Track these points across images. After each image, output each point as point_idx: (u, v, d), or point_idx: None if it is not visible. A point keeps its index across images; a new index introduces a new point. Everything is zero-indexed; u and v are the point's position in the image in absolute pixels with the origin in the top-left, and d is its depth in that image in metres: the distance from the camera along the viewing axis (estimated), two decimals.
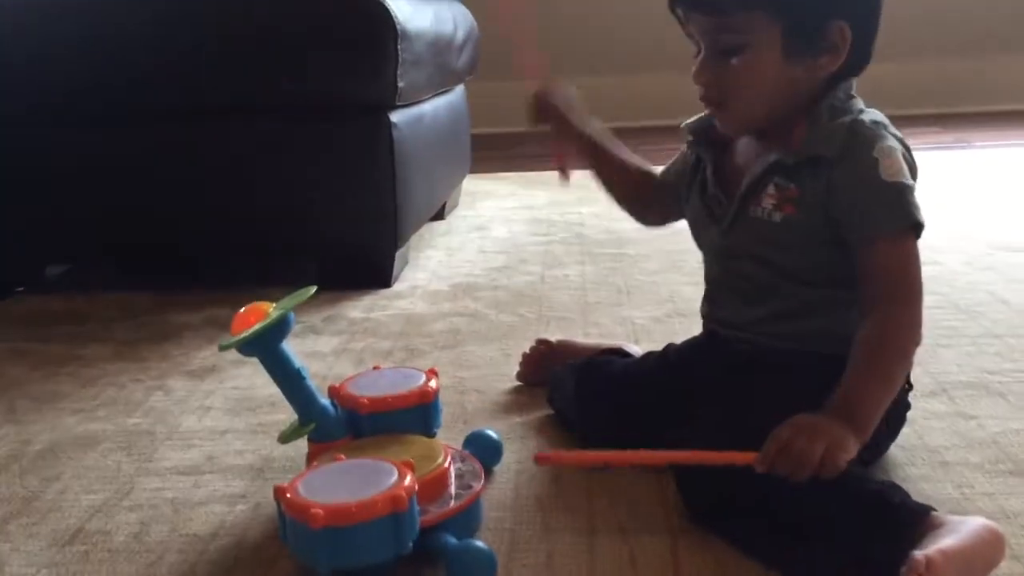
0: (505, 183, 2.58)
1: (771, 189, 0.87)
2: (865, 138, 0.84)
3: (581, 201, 2.25)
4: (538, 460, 0.84)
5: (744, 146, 0.93)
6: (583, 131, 1.03)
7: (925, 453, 0.93)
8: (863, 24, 0.85)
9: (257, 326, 0.84)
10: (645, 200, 1.05)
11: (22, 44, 1.53)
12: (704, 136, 0.94)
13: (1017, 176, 2.38)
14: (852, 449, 0.76)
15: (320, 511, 0.70)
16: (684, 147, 1.00)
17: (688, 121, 0.97)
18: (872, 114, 0.87)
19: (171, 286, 1.65)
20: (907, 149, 0.86)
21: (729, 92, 0.86)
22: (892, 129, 0.86)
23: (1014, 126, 3.15)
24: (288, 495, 0.73)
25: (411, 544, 0.73)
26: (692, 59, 0.88)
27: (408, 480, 0.74)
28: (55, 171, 1.59)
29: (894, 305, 0.82)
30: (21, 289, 1.68)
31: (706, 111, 0.93)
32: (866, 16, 0.85)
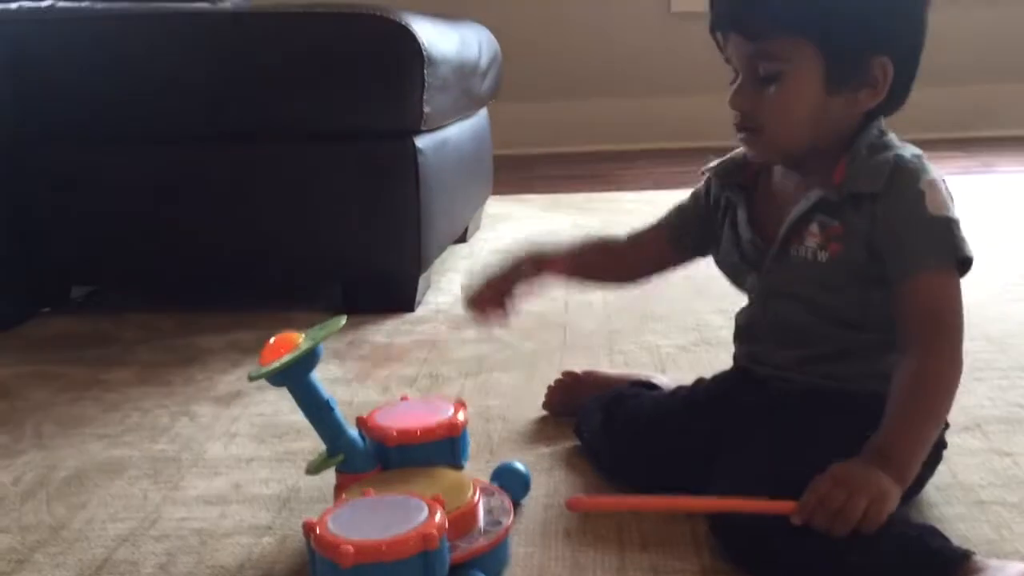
0: (526, 205, 2.58)
1: (814, 228, 0.86)
2: (910, 172, 0.83)
3: (604, 225, 2.24)
4: (570, 506, 0.83)
5: (777, 184, 0.92)
6: (535, 277, 1.01)
7: (960, 492, 0.92)
8: (905, 62, 0.84)
9: (286, 357, 0.84)
10: (637, 267, 1.05)
11: (51, 67, 1.54)
12: (732, 179, 0.93)
13: None
14: (894, 502, 0.75)
15: (350, 548, 0.69)
16: (694, 191, 0.99)
17: (710, 165, 0.96)
18: (910, 148, 0.86)
19: (196, 308, 1.66)
20: (944, 181, 0.85)
21: (766, 119, 0.85)
22: (929, 163, 0.85)
23: None
24: (317, 531, 0.73)
25: None
26: (728, 85, 0.87)
27: (439, 517, 0.73)
28: (82, 193, 1.59)
29: (935, 343, 0.81)
30: (47, 310, 1.68)
31: (728, 155, 0.92)
32: (909, 54, 0.84)
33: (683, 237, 1.00)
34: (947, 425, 0.90)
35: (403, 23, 1.46)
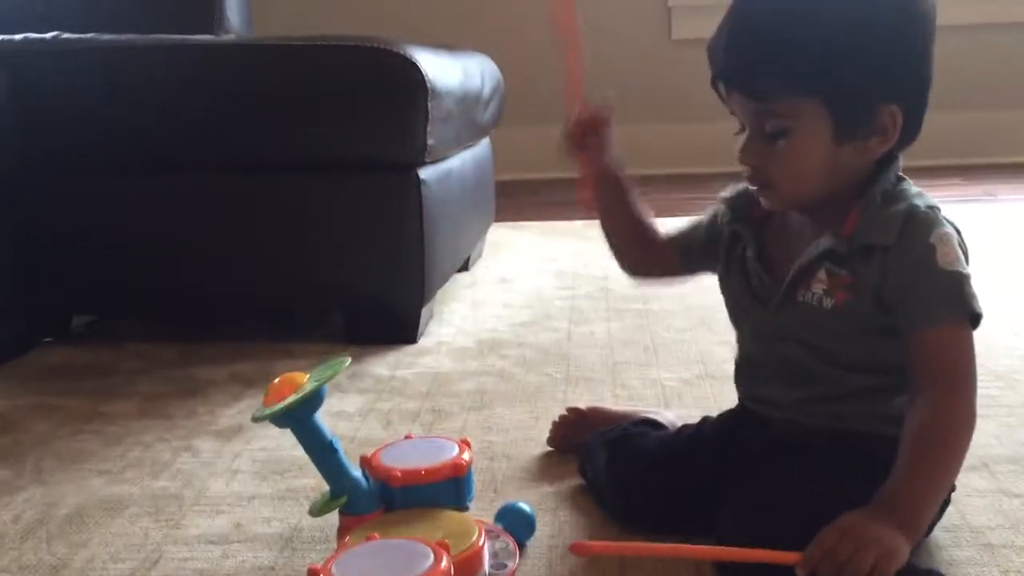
0: (528, 232, 2.58)
1: (822, 274, 0.85)
2: (922, 224, 0.82)
3: (604, 254, 2.24)
4: (574, 550, 0.82)
5: (788, 226, 0.91)
6: (613, 170, 1.00)
7: (969, 534, 0.91)
8: (913, 105, 0.83)
9: (291, 399, 0.83)
10: (648, 257, 1.04)
11: (55, 97, 1.54)
12: (743, 214, 0.93)
13: None
14: (903, 557, 0.74)
15: None
16: (713, 209, 0.99)
17: (725, 194, 0.95)
18: (925, 199, 0.85)
19: (197, 337, 1.65)
20: (959, 234, 0.84)
21: (776, 175, 0.84)
22: (944, 215, 0.85)
23: None
24: None
25: None
26: (734, 136, 0.87)
27: (444, 564, 0.73)
28: (84, 222, 1.59)
29: (946, 394, 0.80)
30: (48, 340, 1.68)
31: (744, 186, 0.92)
32: (916, 97, 0.84)
33: (690, 252, 1.00)
34: None
35: (408, 56, 1.46)
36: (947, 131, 3.61)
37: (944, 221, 0.84)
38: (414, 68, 1.46)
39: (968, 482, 1.00)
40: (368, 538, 0.78)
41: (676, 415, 1.14)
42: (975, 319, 0.82)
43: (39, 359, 1.59)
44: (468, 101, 1.75)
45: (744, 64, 0.82)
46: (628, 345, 1.56)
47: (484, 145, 2.13)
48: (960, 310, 0.81)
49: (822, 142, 0.82)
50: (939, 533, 0.90)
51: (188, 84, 1.52)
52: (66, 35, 1.58)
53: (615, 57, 3.74)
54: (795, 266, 0.86)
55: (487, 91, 1.94)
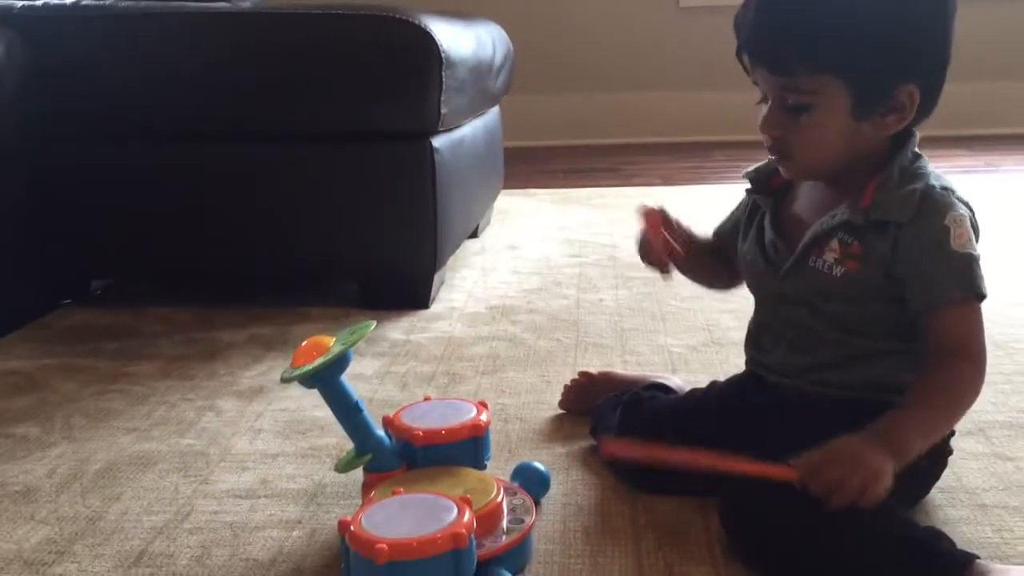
0: (536, 200, 2.61)
1: (834, 243, 0.89)
2: (938, 205, 0.86)
3: (612, 222, 2.28)
4: (602, 452, 0.93)
5: (805, 195, 0.95)
6: (692, 247, 1.01)
7: (964, 495, 0.95)
8: (931, 84, 0.86)
9: (319, 360, 0.87)
10: (733, 276, 1.05)
11: (75, 64, 1.57)
12: (764, 185, 0.97)
13: None
14: (888, 478, 0.78)
15: (384, 546, 0.73)
16: (743, 199, 1.02)
17: (748, 170, 0.99)
18: (941, 179, 0.89)
19: (214, 303, 1.69)
20: (972, 213, 0.88)
21: (796, 147, 0.88)
22: (960, 194, 0.88)
23: None
24: (352, 529, 0.76)
25: None
26: (755, 105, 0.90)
27: (467, 517, 0.77)
28: (104, 187, 1.62)
29: (958, 359, 0.85)
30: (68, 302, 1.72)
31: (768, 159, 0.95)
32: (935, 75, 0.87)
33: (727, 245, 1.03)
34: (952, 432, 0.93)
35: (423, 26, 1.49)
36: (953, 102, 3.62)
37: (958, 203, 0.87)
38: (429, 38, 1.49)
39: (964, 446, 1.04)
40: (393, 492, 0.82)
41: (683, 380, 1.18)
42: (981, 298, 0.86)
43: (60, 321, 1.63)
44: (481, 70, 1.77)
45: (769, 39, 0.86)
46: (636, 312, 1.60)
47: (494, 113, 2.16)
48: (969, 290, 0.85)
49: (841, 118, 0.86)
50: (935, 494, 0.95)
51: (207, 53, 1.55)
52: (85, 2, 1.60)
53: (624, 24, 3.75)
54: (810, 232, 0.90)
55: (498, 60, 1.96)
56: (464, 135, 1.76)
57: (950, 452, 0.95)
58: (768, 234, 0.95)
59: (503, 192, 2.37)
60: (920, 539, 0.78)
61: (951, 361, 0.85)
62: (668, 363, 1.35)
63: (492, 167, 2.12)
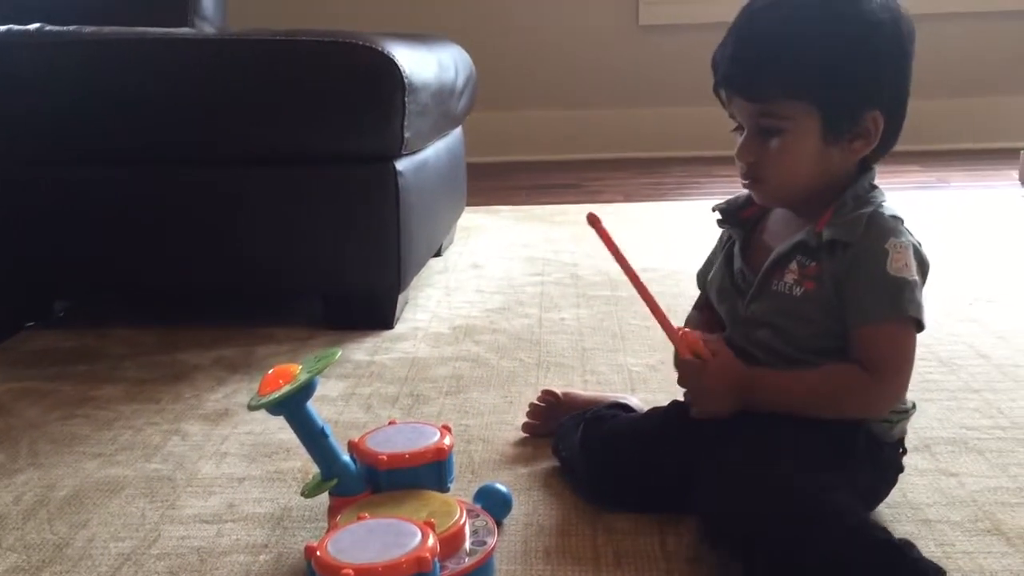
0: (499, 217, 2.64)
1: (793, 265, 0.94)
2: (882, 230, 0.91)
3: (574, 239, 2.31)
4: (589, 220, 0.96)
5: (773, 225, 1.01)
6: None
7: (909, 510, 0.99)
8: (894, 113, 0.93)
9: (285, 388, 0.89)
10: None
11: (38, 88, 1.57)
12: (734, 217, 1.03)
13: (995, 218, 2.46)
14: (725, 412, 0.94)
15: (350, 572, 0.75)
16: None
17: (719, 204, 1.05)
18: (892, 209, 0.94)
19: (178, 324, 1.70)
20: (918, 247, 0.93)
21: (768, 170, 0.94)
22: (906, 227, 0.94)
23: (994, 165, 3.25)
24: (318, 554, 0.78)
25: None
26: (731, 133, 0.96)
27: (431, 541, 0.79)
28: (64, 210, 1.62)
29: (867, 374, 0.90)
30: (31, 324, 1.72)
31: (737, 194, 1.01)
32: (896, 107, 0.93)
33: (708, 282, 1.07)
34: (904, 451, 0.98)
35: (386, 52, 1.51)
36: (908, 119, 3.72)
37: (905, 231, 0.93)
38: (392, 64, 1.51)
39: (910, 462, 1.07)
40: (359, 518, 0.85)
41: (642, 399, 1.21)
42: (918, 325, 0.91)
43: (24, 344, 1.63)
44: (443, 94, 1.80)
45: (747, 67, 0.92)
46: (597, 331, 1.63)
47: (457, 133, 2.18)
48: (897, 314, 0.90)
49: (812, 142, 0.92)
50: (882, 509, 0.99)
51: (170, 78, 1.56)
52: (49, 27, 1.60)
53: (583, 42, 3.80)
54: (772, 255, 0.96)
55: (460, 83, 1.99)
56: (427, 157, 1.79)
57: (901, 469, 0.99)
58: (737, 262, 1.01)
59: (467, 209, 2.40)
60: (895, 545, 0.82)
61: (858, 371, 0.91)
62: (628, 382, 1.39)
63: (455, 186, 2.14)
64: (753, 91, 0.92)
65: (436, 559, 0.79)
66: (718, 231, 1.06)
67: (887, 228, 0.92)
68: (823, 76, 0.90)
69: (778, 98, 0.91)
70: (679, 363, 0.98)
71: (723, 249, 1.04)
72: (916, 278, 0.91)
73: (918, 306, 0.90)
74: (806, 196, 0.95)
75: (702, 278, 1.09)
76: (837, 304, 0.92)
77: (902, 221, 0.94)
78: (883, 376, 0.91)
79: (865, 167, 0.96)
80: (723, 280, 1.02)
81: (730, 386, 0.94)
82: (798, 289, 0.94)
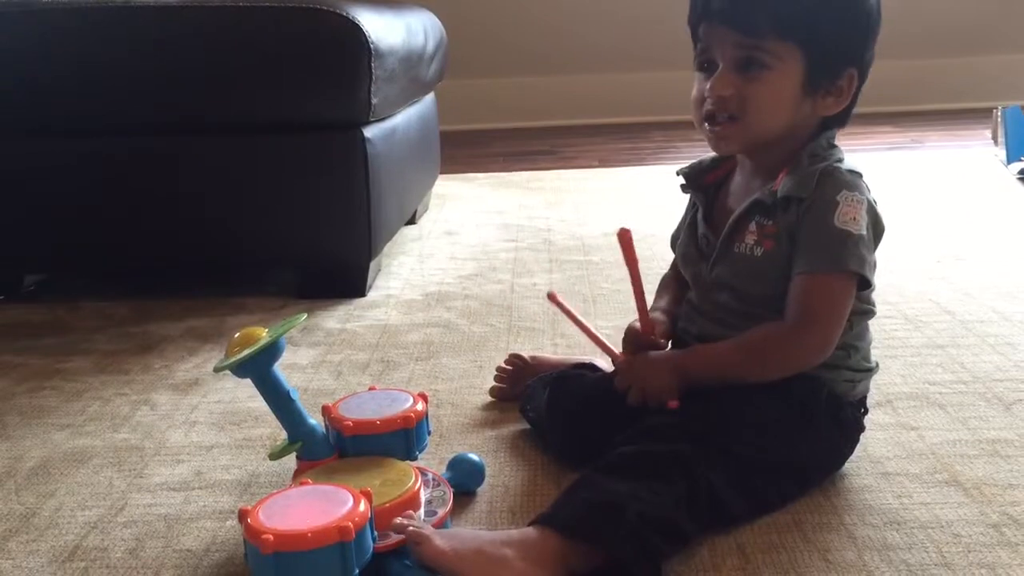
0: (474, 184, 2.64)
1: (752, 226, 0.95)
2: (836, 182, 0.91)
3: (548, 205, 2.31)
4: (550, 297, 1.08)
5: (736, 188, 1.01)
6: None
7: (869, 464, 1.01)
8: (863, 77, 0.94)
9: (250, 349, 0.89)
10: None
11: (2, 59, 1.55)
12: (696, 182, 1.03)
13: (968, 177, 2.47)
14: (669, 394, 0.94)
15: (270, 537, 0.74)
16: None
17: (681, 168, 1.05)
18: (851, 165, 0.94)
19: (149, 295, 1.69)
20: (874, 204, 0.93)
21: (748, 107, 0.92)
22: (864, 182, 0.93)
23: (969, 125, 3.26)
24: (248, 519, 0.77)
25: (358, 572, 0.76)
26: (693, 73, 0.96)
27: (361, 508, 0.78)
28: (32, 183, 1.61)
29: (791, 326, 0.91)
30: (1, 298, 1.71)
31: (700, 158, 1.02)
32: (866, 71, 0.94)
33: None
34: (866, 410, 0.99)
35: (351, 17, 1.50)
36: (878, 79, 3.72)
37: (861, 187, 0.93)
38: (357, 29, 1.50)
39: (873, 418, 1.09)
40: (301, 483, 0.84)
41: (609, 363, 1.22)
42: (862, 281, 0.91)
43: None
44: (412, 59, 1.79)
45: (746, 2, 0.91)
46: (568, 295, 1.62)
47: (429, 100, 2.17)
48: (835, 266, 0.90)
49: (793, 88, 0.92)
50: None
51: (134, 46, 1.54)
52: None
53: (558, 6, 3.77)
54: (732, 218, 0.96)
55: (431, 48, 1.97)
56: (397, 124, 1.78)
57: (863, 428, 1.00)
58: (700, 227, 1.01)
59: (442, 177, 2.39)
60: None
61: (782, 323, 0.91)
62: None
63: (427, 154, 2.13)
64: (747, 25, 0.90)
65: (366, 527, 0.77)
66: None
67: (842, 181, 0.92)
68: (817, 21, 0.90)
69: (768, 35, 0.90)
70: (615, 366, 1.01)
71: (688, 215, 1.05)
72: (864, 232, 0.91)
73: (860, 260, 0.90)
74: (768, 146, 0.95)
75: (675, 241, 1.09)
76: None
77: (861, 176, 0.94)
78: (804, 326, 0.91)
79: (825, 127, 0.96)
80: (687, 246, 1.03)
81: (661, 371, 0.95)
82: (758, 250, 0.94)
